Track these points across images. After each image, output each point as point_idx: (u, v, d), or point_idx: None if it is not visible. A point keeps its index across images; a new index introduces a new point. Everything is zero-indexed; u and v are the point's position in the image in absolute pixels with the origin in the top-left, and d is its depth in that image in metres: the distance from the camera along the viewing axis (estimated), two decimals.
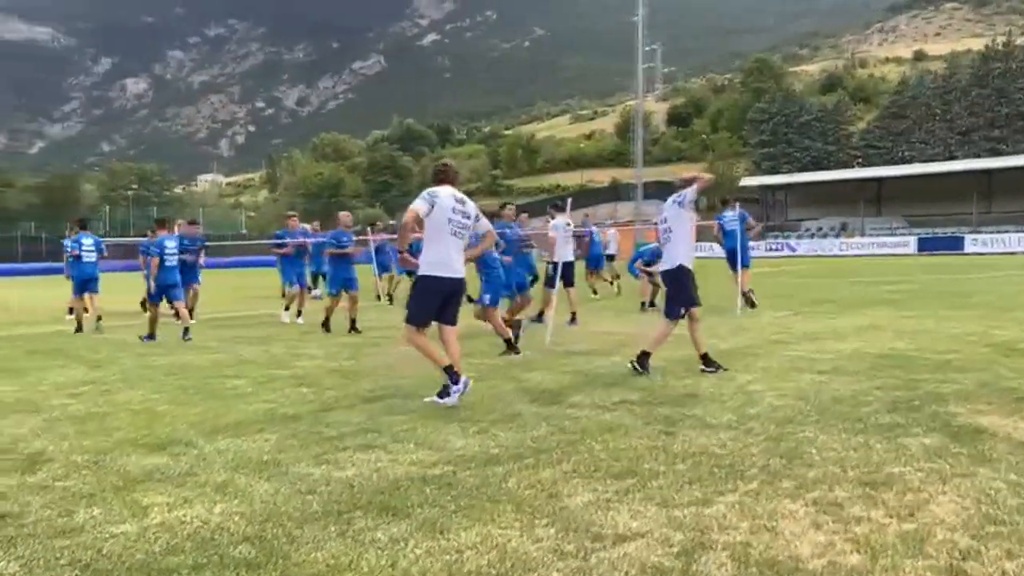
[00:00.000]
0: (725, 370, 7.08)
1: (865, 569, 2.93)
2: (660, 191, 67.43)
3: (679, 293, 7.27)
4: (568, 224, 11.89)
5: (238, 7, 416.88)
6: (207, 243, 15.69)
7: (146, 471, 4.50)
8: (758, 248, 53.15)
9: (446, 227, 6.01)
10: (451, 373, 5.95)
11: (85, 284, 12.85)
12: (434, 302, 6.08)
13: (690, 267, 7.29)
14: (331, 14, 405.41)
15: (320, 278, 20.03)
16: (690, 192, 7.20)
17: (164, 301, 11.74)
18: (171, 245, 11.78)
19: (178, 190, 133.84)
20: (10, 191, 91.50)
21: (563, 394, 6.36)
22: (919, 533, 3.25)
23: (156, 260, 11.45)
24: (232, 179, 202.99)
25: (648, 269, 13.93)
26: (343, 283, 11.69)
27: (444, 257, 6.03)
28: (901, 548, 3.10)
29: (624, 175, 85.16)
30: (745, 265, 13.72)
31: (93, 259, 12.91)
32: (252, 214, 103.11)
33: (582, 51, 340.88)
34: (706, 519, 3.48)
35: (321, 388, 6.96)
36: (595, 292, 17.68)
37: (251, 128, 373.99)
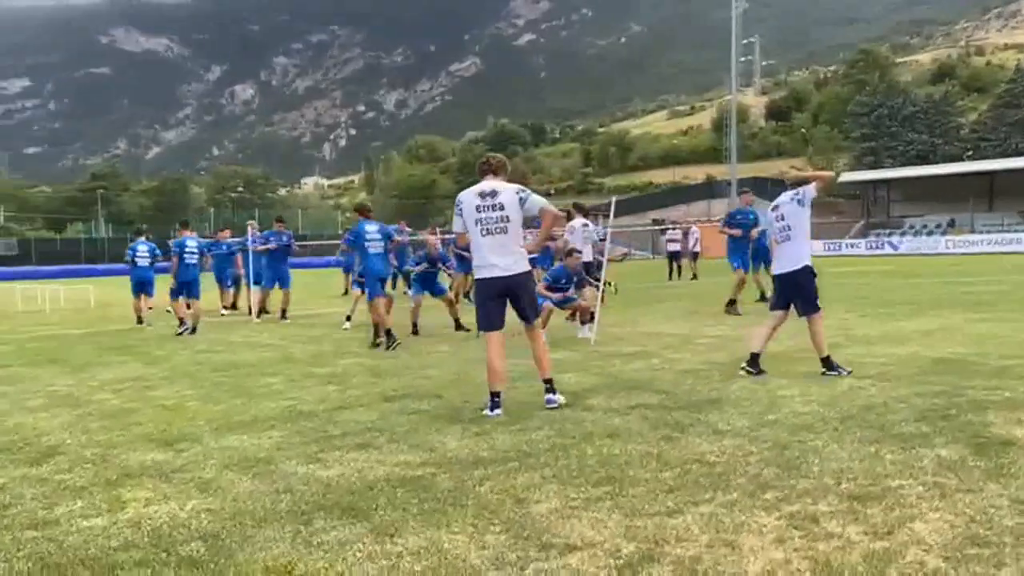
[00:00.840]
0: (762, 373, 6.80)
1: None
2: (756, 187, 65.60)
3: (812, 292, 6.93)
4: (585, 225, 11.76)
5: (339, 13, 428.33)
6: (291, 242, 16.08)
7: (143, 466, 4.61)
8: (858, 247, 51.26)
9: (475, 229, 5.87)
10: (494, 397, 5.74)
11: (141, 286, 13.62)
12: (488, 304, 5.88)
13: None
14: (429, 18, 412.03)
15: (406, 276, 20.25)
16: (810, 190, 6.94)
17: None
18: (191, 245, 12.64)
19: (282, 192, 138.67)
20: (126, 194, 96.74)
21: (583, 396, 6.20)
22: (888, 553, 2.99)
23: (176, 258, 12.43)
24: (334, 181, 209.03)
25: (731, 231, 13.09)
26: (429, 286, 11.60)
27: (481, 259, 5.90)
28: (861, 569, 2.87)
29: (719, 171, 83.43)
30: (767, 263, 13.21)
31: (147, 264, 13.66)
32: (349, 215, 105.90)
33: (680, 46, 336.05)
34: (667, 531, 3.31)
35: (347, 386, 7.02)
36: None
37: (352, 131, 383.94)
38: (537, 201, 5.93)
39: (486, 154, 6.38)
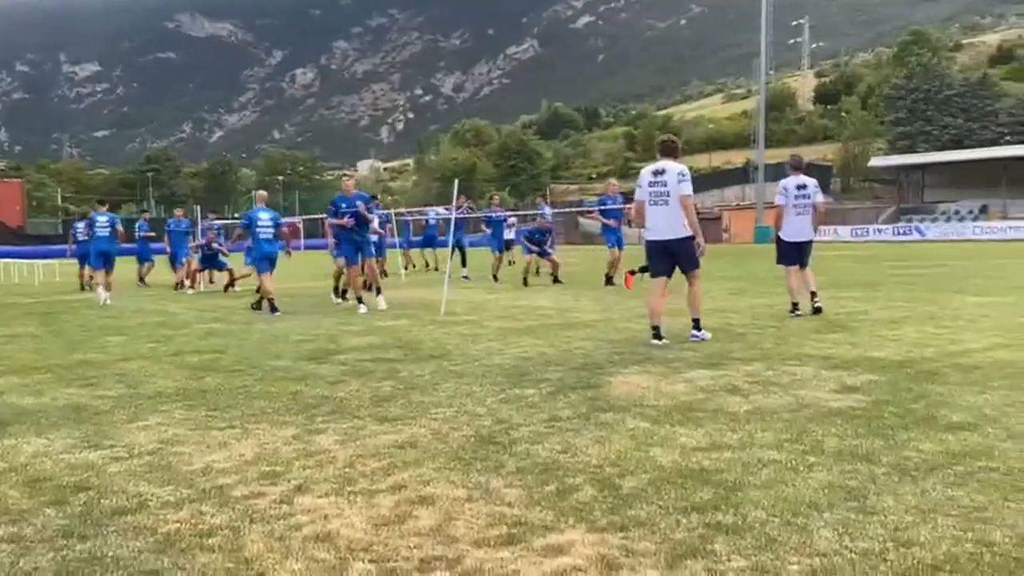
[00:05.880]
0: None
1: (230, 466, 3.68)
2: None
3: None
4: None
5: None
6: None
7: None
8: (886, 232, 50.65)
9: (647, 200, 7.39)
10: (654, 330, 7.19)
11: (85, 259, 15.20)
12: (656, 260, 7.39)
13: None
14: (487, 1, 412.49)
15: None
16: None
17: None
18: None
19: (330, 175, 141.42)
20: (178, 177, 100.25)
21: (351, 352, 7.20)
22: (318, 451, 3.90)
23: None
24: (389, 165, 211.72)
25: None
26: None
27: (650, 224, 7.33)
28: (295, 457, 3.80)
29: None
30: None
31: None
32: (394, 198, 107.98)
33: (742, 28, 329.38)
34: (247, 441, 4.19)
35: (164, 344, 8.04)
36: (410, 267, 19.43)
37: (410, 115, 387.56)
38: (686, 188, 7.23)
39: (662, 136, 7.84)
